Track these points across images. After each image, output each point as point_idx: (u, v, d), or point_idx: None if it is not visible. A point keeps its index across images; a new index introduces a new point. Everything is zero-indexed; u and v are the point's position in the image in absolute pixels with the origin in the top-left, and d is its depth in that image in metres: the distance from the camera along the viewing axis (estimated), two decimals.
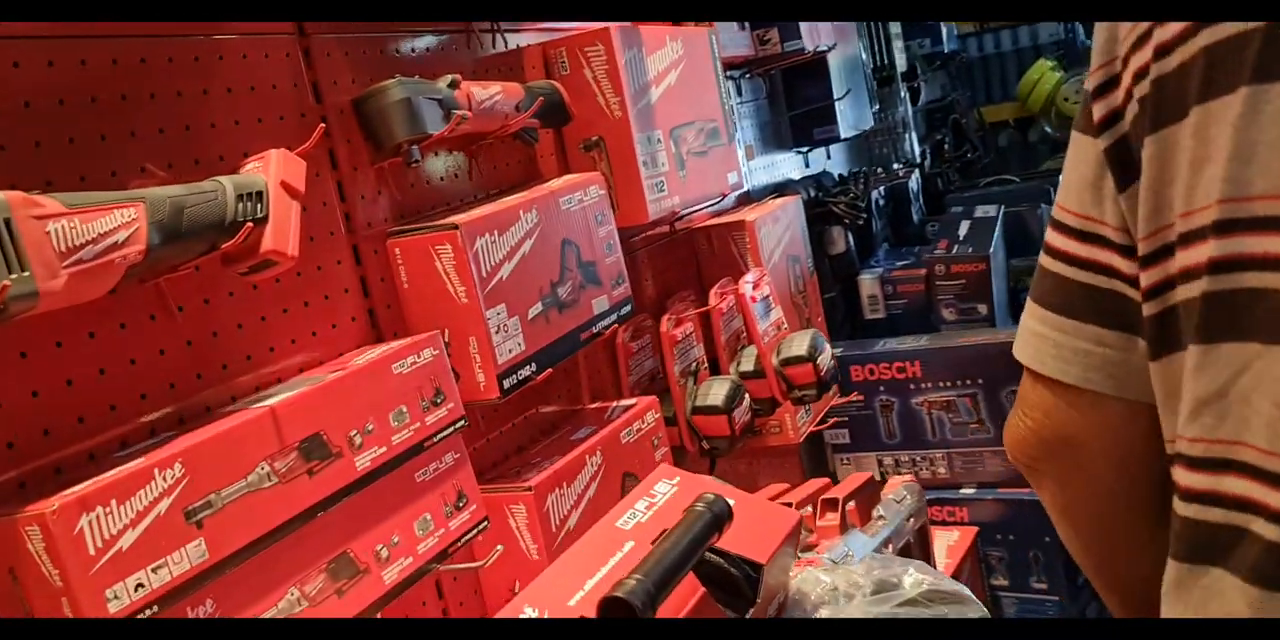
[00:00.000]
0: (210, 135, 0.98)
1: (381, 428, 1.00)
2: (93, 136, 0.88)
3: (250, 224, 0.88)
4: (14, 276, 0.71)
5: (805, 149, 2.43)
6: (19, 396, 0.80)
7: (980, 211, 2.43)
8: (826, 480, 1.55)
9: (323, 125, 0.97)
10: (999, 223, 2.39)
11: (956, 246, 2.25)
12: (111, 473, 0.78)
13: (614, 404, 1.49)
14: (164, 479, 0.80)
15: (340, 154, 1.13)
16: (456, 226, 1.13)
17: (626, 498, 1.09)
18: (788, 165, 2.38)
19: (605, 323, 1.38)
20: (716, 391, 1.55)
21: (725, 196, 1.73)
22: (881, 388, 2.16)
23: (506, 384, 1.17)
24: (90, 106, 0.88)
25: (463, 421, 1.11)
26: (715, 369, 1.70)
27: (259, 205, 0.91)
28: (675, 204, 1.57)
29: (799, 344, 1.67)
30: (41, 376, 0.82)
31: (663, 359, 1.59)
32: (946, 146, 3.37)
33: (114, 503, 0.76)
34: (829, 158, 2.60)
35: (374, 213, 1.16)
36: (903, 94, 2.97)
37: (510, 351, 1.18)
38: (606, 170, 1.50)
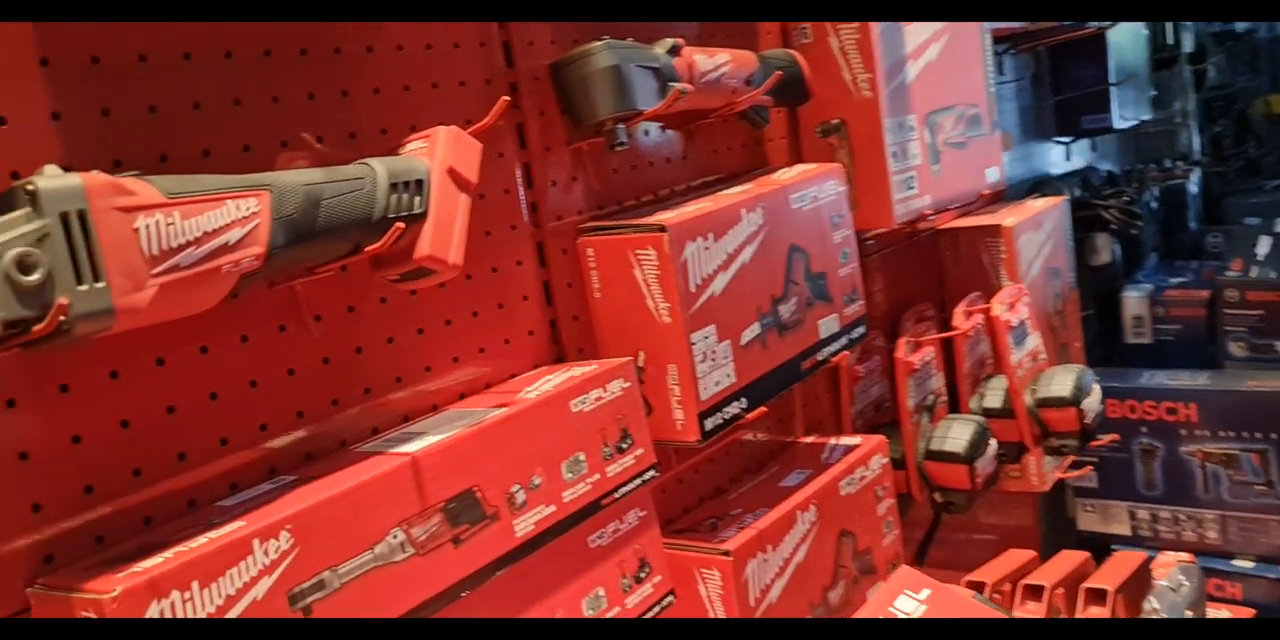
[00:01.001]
0: (372, 103, 0.79)
1: (551, 481, 0.80)
2: (224, 100, 0.70)
3: (401, 223, 0.68)
4: (83, 288, 0.54)
5: (1069, 139, 2.10)
6: (104, 427, 0.63)
7: None
8: (1085, 556, 1.26)
9: (506, 98, 0.77)
10: None
11: (1255, 268, 1.87)
12: (199, 542, 0.60)
13: (833, 441, 1.24)
14: (266, 553, 0.61)
15: (530, 130, 0.92)
16: (664, 228, 0.91)
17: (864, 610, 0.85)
18: (1046, 158, 2.05)
19: (833, 348, 1.13)
20: (958, 435, 1.28)
21: (982, 197, 1.44)
22: (1144, 429, 1.83)
23: (709, 425, 0.95)
24: (224, 63, 0.70)
25: (653, 472, 0.90)
26: (955, 401, 1.42)
27: (417, 198, 0.71)
28: (925, 205, 1.30)
29: (1062, 382, 1.37)
30: (135, 402, 0.65)
31: (894, 388, 1.33)
32: (1226, 141, 2.91)
33: (196, 586, 0.58)
34: (1094, 150, 2.25)
35: (565, 203, 0.95)
36: (1186, 78, 2.55)
37: (717, 384, 0.96)
38: (846, 161, 1.24)
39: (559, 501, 0.80)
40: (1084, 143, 2.22)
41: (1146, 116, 2.15)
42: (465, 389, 0.86)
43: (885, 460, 1.22)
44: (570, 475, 0.81)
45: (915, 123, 1.28)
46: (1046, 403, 1.37)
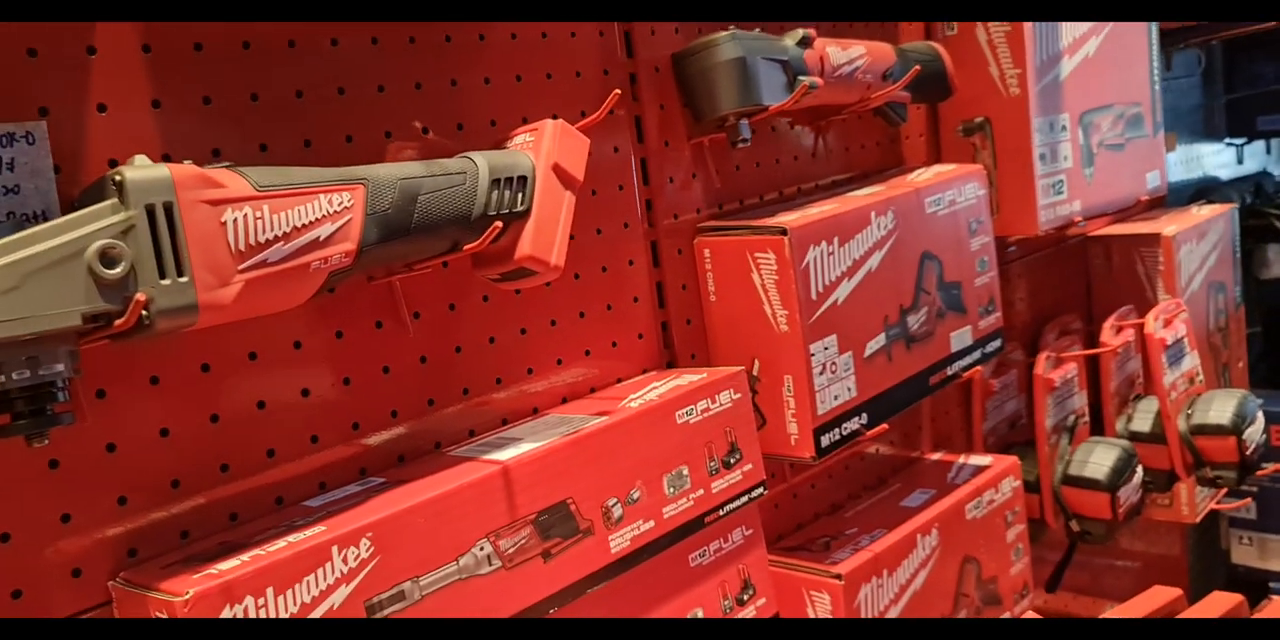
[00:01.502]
0: (483, 93, 0.76)
1: (652, 495, 0.75)
2: (328, 88, 0.68)
3: (499, 222, 0.65)
4: (165, 283, 0.52)
5: (1242, 141, 1.94)
6: (192, 421, 0.62)
7: None
8: (1239, 600, 1.15)
9: (618, 92, 0.73)
10: None
11: None
12: (278, 546, 0.58)
13: (962, 460, 1.16)
14: (345, 560, 0.59)
15: (649, 123, 0.88)
16: (785, 231, 0.85)
17: None
18: (1215, 161, 1.91)
19: (965, 363, 1.06)
20: (1100, 460, 1.19)
21: (1140, 203, 1.34)
22: None
23: (825, 441, 0.89)
24: (329, 51, 0.68)
25: (761, 489, 0.85)
26: (1098, 423, 1.32)
27: (520, 195, 0.68)
28: (1074, 211, 1.21)
29: (1221, 408, 1.26)
30: (225, 396, 0.63)
31: (1031, 405, 1.24)
32: None
33: (271, 592, 0.56)
34: (1269, 153, 2.08)
35: (683, 201, 0.91)
36: None
37: (836, 398, 0.90)
38: (989, 162, 1.16)
39: (658, 517, 0.76)
40: (1259, 145, 2.06)
41: None
42: (568, 392, 0.82)
43: (1017, 483, 1.14)
44: (672, 490, 0.77)
45: (1068, 123, 1.19)
46: (1203, 430, 1.26)
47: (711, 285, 0.91)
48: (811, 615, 0.93)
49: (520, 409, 0.79)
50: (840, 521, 1.04)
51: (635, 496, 0.74)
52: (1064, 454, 1.22)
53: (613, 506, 0.73)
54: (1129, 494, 1.19)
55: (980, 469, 1.13)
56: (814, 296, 0.88)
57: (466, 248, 0.66)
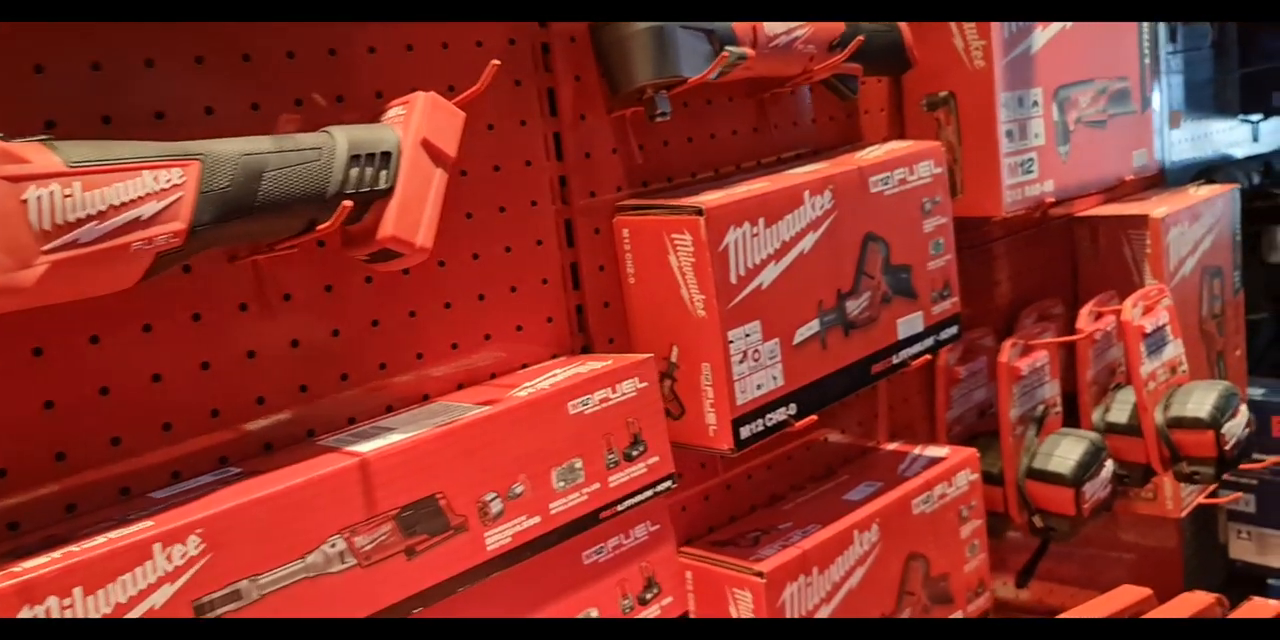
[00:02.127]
0: (367, 63, 0.72)
1: (538, 490, 0.72)
2: (185, 56, 0.64)
3: (349, 202, 0.61)
4: None
5: (1257, 118, 1.85)
6: (23, 408, 0.59)
7: None
8: (1211, 600, 1.09)
9: (496, 62, 0.68)
10: None
11: None
12: (95, 542, 0.55)
13: (917, 450, 1.12)
14: (170, 558, 0.56)
15: (563, 96, 0.83)
16: (700, 211, 0.81)
17: None
18: (1227, 138, 1.82)
19: (914, 350, 1.01)
20: (1066, 454, 1.13)
21: (1124, 183, 1.27)
22: None
23: (746, 433, 0.85)
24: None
25: (669, 483, 0.80)
26: (1072, 414, 1.27)
27: (384, 172, 0.64)
28: (1046, 191, 1.14)
29: (1200, 401, 1.20)
30: (62, 382, 0.60)
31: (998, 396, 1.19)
32: None
33: (79, 592, 0.53)
34: None
35: (602, 178, 0.86)
36: None
37: (759, 387, 0.85)
38: (953, 139, 1.10)
39: (545, 513, 0.72)
40: (1276, 122, 1.96)
41: None
42: (466, 378, 0.78)
43: (975, 476, 1.09)
44: (562, 484, 0.73)
45: (1040, 98, 1.12)
46: (1180, 423, 1.20)
47: (630, 267, 0.86)
48: (734, 614, 0.89)
49: (408, 396, 0.75)
50: (777, 515, 0.99)
51: (518, 491, 0.70)
52: (1030, 446, 1.16)
53: (491, 501, 0.69)
54: (1095, 489, 1.14)
55: (935, 461, 1.08)
56: (734, 280, 0.83)
57: (320, 228, 0.62)
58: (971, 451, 1.09)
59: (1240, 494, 1.68)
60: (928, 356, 1.01)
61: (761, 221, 0.85)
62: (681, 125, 0.92)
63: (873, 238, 0.95)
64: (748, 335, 0.84)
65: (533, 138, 0.81)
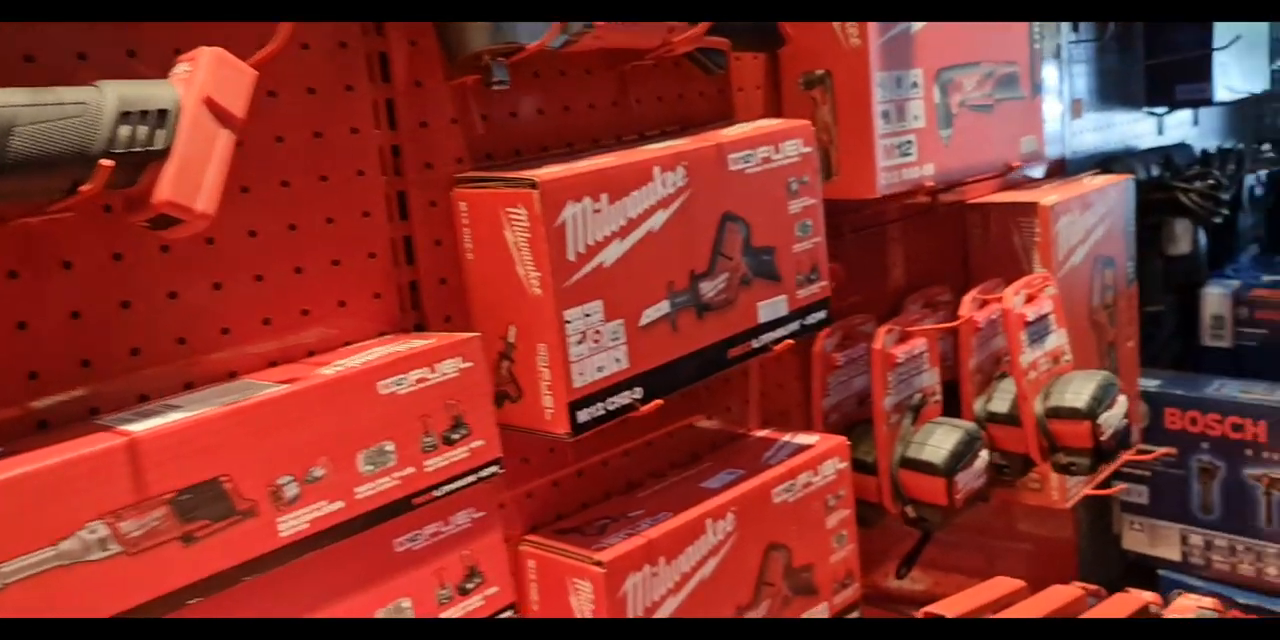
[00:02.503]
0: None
1: (341, 473, 0.68)
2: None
3: (109, 162, 0.57)
4: None
5: (1162, 110, 1.85)
6: None
7: None
8: (1079, 595, 1.08)
9: (289, 24, 0.64)
10: None
11: None
12: None
13: (787, 437, 1.09)
14: None
15: (396, 61, 0.79)
16: (534, 184, 0.77)
17: None
18: (1132, 130, 1.82)
19: (777, 334, 0.98)
20: (939, 443, 1.11)
21: (1013, 169, 1.25)
22: (1205, 445, 1.61)
23: (584, 417, 0.81)
24: None
25: (494, 467, 0.77)
26: (953, 403, 1.25)
27: (158, 132, 0.59)
28: (927, 174, 1.12)
29: (1078, 391, 1.19)
30: None
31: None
32: None
33: None
34: (1195, 123, 1.99)
35: (440, 149, 0.82)
36: None
37: (600, 370, 0.82)
38: (829, 119, 1.07)
39: (349, 497, 0.68)
40: (1186, 115, 1.97)
41: (1260, 89, 1.88)
42: (280, 356, 0.74)
43: (843, 465, 1.07)
44: (370, 468, 0.69)
45: (920, 79, 1.10)
46: (1058, 413, 1.19)
47: (469, 242, 0.83)
48: (574, 604, 0.86)
49: (212, 373, 0.71)
50: (630, 502, 0.96)
51: (318, 474, 0.67)
52: (905, 435, 1.14)
53: (285, 485, 0.65)
54: (969, 480, 1.12)
55: (802, 449, 1.05)
56: (572, 258, 0.79)
57: (82, 190, 0.57)
58: (841, 440, 1.07)
59: (1125, 485, 1.68)
60: (789, 342, 0.98)
61: (605, 197, 0.81)
62: (532, 96, 0.88)
63: (731, 217, 0.92)
64: (588, 315, 0.81)
65: (360, 104, 0.77)
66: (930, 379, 1.19)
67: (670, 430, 1.04)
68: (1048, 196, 1.34)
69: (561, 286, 0.79)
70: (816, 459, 1.04)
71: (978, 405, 1.26)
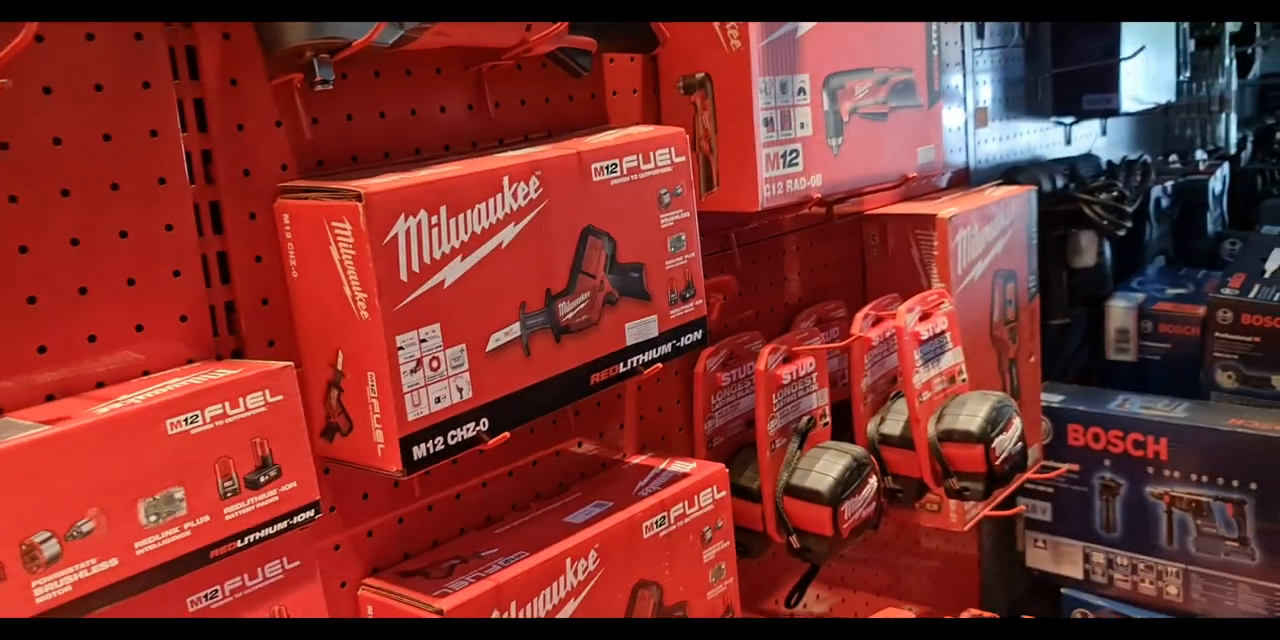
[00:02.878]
0: None
1: (115, 527, 0.59)
2: None
3: None
4: None
5: (1069, 120, 1.82)
6: None
7: None
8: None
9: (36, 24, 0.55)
10: None
11: (1258, 287, 1.59)
12: None
13: (663, 465, 1.02)
14: None
15: (206, 56, 0.71)
16: (360, 196, 0.69)
17: None
18: (1040, 139, 1.79)
19: (647, 357, 0.91)
20: (825, 469, 1.06)
21: (909, 181, 1.20)
22: (1107, 462, 1.58)
23: (420, 452, 0.74)
24: None
25: (310, 512, 0.69)
26: (843, 426, 1.19)
27: None
28: (814, 185, 1.06)
29: (971, 413, 1.14)
30: None
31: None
32: (1279, 136, 2.59)
33: None
34: (1104, 134, 1.97)
35: (260, 155, 0.74)
36: (1228, 62, 2.25)
37: (438, 401, 0.74)
38: (709, 126, 1.01)
39: (126, 554, 0.60)
40: (1094, 126, 1.94)
41: (1166, 100, 1.86)
42: (60, 388, 0.65)
43: (722, 494, 1.00)
44: (154, 519, 0.61)
45: (808, 84, 1.04)
46: (950, 436, 1.14)
47: (293, 259, 0.74)
48: None
49: None
50: (486, 539, 0.89)
51: (86, 529, 0.58)
52: (791, 460, 1.08)
53: (43, 543, 0.56)
54: (856, 508, 1.06)
55: (678, 477, 0.99)
56: (404, 277, 0.72)
57: None
58: (720, 467, 1.01)
59: (1024, 506, 1.65)
60: (659, 366, 0.91)
61: (444, 210, 0.74)
62: (371, 97, 0.80)
63: (594, 232, 0.85)
64: (424, 340, 0.73)
65: (160, 103, 0.69)
66: (819, 400, 1.14)
67: (536, 458, 0.96)
68: (946, 208, 1.29)
69: (392, 309, 0.71)
70: (693, 488, 0.98)
71: (871, 427, 1.21)
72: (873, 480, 1.08)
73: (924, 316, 1.19)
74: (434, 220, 0.73)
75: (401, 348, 0.72)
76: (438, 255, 0.74)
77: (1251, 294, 1.56)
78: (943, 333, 1.20)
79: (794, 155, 1.03)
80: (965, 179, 1.57)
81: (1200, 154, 2.29)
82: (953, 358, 1.22)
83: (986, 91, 1.62)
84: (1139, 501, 1.56)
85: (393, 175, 0.74)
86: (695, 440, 1.10)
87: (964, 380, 1.23)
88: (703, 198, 1.02)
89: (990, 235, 1.36)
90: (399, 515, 0.85)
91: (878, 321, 1.21)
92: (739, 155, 1.00)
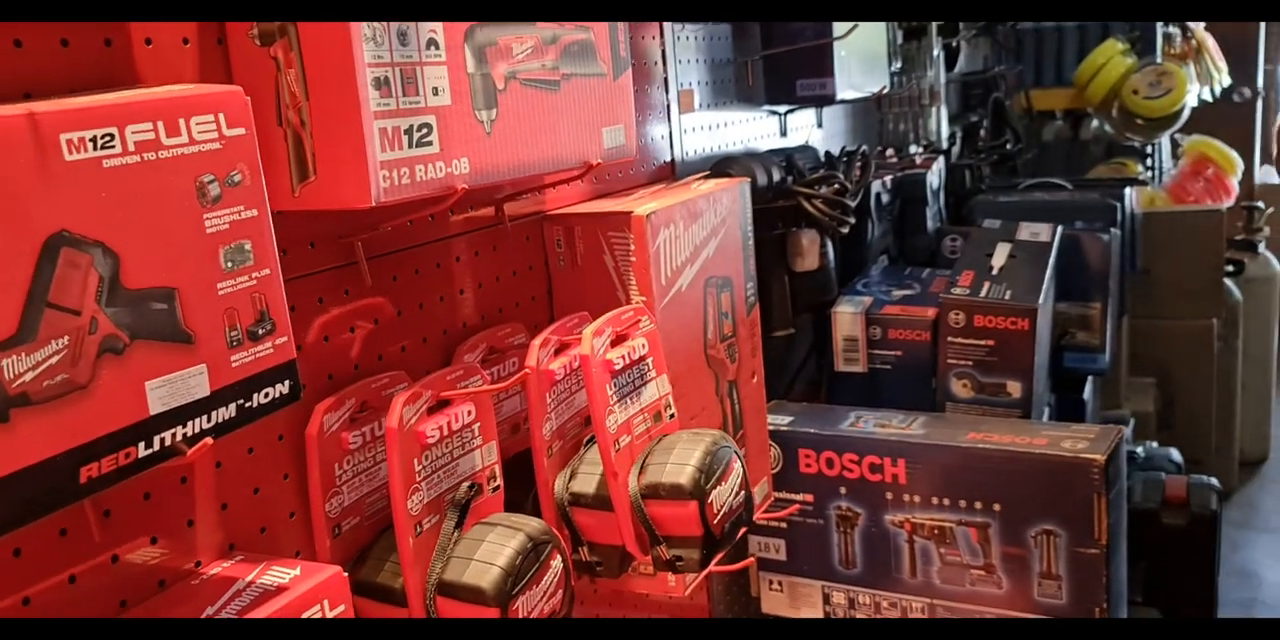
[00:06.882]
0: None
1: None
2: None
3: None
4: None
5: (784, 109, 1.65)
6: None
7: (1027, 231, 1.63)
8: None
9: None
10: (1054, 252, 1.60)
11: (988, 285, 1.46)
12: None
13: (254, 574, 0.71)
14: None
15: None
16: None
17: None
18: (755, 129, 1.60)
19: (191, 430, 0.60)
20: (488, 557, 0.78)
21: (593, 169, 0.94)
22: (842, 490, 1.40)
23: None
24: None
25: None
26: (526, 484, 0.93)
27: None
28: (458, 173, 0.78)
29: (681, 461, 0.90)
30: None
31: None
32: (983, 132, 2.58)
33: None
34: (819, 125, 1.82)
35: None
36: (936, 53, 2.17)
37: None
38: (297, 89, 0.71)
39: None
40: (810, 117, 1.78)
41: (879, 88, 1.72)
42: None
43: (341, 609, 0.71)
44: None
45: (440, 36, 0.76)
46: (655, 492, 0.89)
47: None
48: None
49: None
50: None
51: None
52: (445, 546, 0.80)
53: None
54: (535, 603, 0.79)
55: (269, 594, 0.68)
56: None
57: None
58: (335, 572, 0.71)
59: (754, 559, 1.45)
60: (209, 440, 0.61)
61: None
62: None
63: (71, 241, 0.54)
64: None
65: None
66: (483, 459, 0.86)
67: (28, 595, 0.63)
68: (644, 205, 1.05)
69: None
70: (292, 608, 0.68)
71: (559, 484, 0.94)
72: (555, 562, 0.82)
73: (618, 340, 0.94)
74: None
75: None
76: None
77: (983, 293, 1.42)
78: (643, 359, 0.95)
79: (425, 131, 0.75)
80: (671, 172, 1.35)
81: (915, 148, 2.21)
82: (657, 389, 0.97)
83: (692, 72, 1.41)
84: (879, 531, 1.38)
85: None
86: (314, 529, 0.80)
87: (672, 416, 0.99)
88: (296, 191, 0.73)
89: (699, 236, 1.13)
90: None
91: (562, 348, 0.95)
92: (340, 130, 0.71)
